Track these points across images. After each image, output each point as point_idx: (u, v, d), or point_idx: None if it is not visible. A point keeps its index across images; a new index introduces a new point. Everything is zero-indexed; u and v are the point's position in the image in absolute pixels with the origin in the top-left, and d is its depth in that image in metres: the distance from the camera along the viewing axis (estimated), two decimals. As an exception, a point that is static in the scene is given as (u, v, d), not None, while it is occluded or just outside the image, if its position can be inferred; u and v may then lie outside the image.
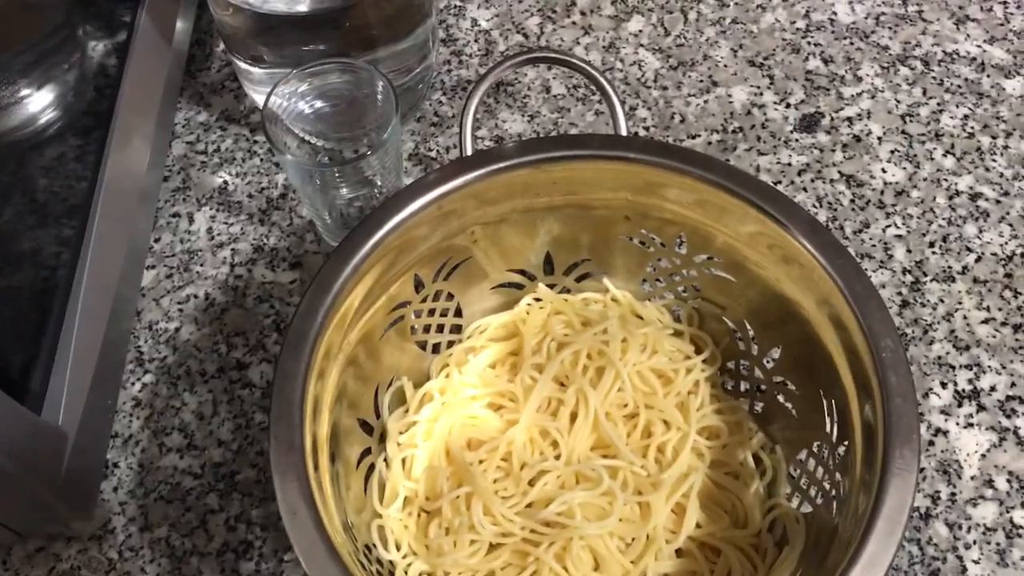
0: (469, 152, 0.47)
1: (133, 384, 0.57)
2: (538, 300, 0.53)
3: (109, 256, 0.54)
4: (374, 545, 0.46)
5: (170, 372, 0.57)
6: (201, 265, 0.61)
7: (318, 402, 0.42)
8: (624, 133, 0.48)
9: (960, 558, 0.50)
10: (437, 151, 0.65)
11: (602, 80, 0.48)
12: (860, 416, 0.41)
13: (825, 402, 0.45)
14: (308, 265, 0.60)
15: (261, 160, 0.65)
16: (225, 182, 0.64)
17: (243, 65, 0.62)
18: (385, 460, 0.49)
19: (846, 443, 0.43)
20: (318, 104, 0.59)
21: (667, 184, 0.46)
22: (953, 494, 0.52)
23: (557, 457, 0.48)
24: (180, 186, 0.64)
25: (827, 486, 0.44)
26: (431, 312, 0.51)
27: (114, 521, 0.53)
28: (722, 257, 0.48)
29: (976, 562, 0.50)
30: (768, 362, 0.50)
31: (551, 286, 0.53)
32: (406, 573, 0.45)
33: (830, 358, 0.44)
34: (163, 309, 0.59)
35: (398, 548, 0.46)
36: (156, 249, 0.61)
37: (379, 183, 0.58)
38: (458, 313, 0.53)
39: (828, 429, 0.45)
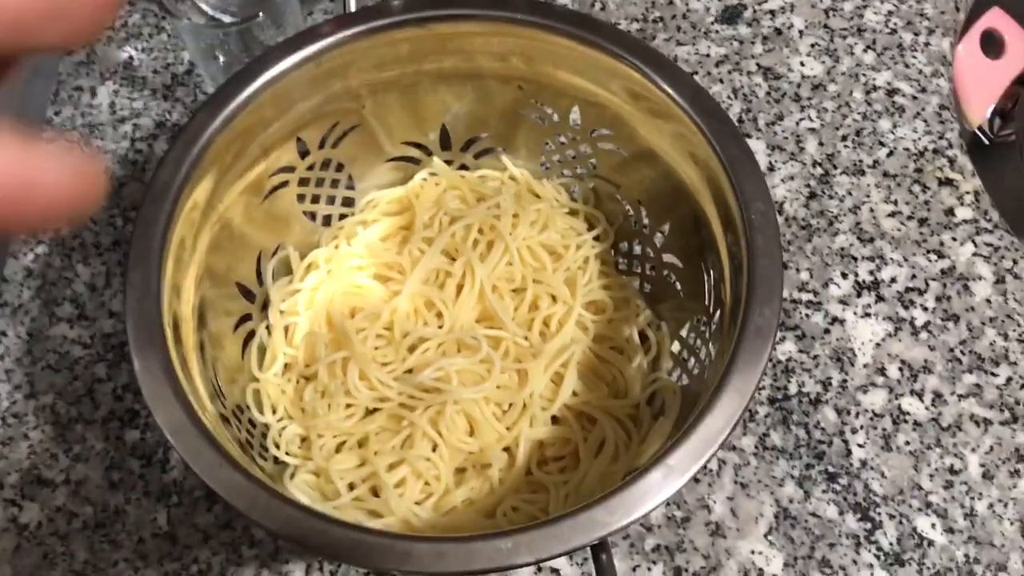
0: (352, 9, 0.45)
1: (26, 255, 0.56)
2: (434, 175, 0.52)
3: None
4: (247, 407, 0.45)
5: (64, 243, 0.56)
6: (101, 139, 0.59)
7: (181, 256, 0.41)
8: (515, -3, 0.46)
9: (846, 442, 0.51)
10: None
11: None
12: (732, 284, 0.41)
13: (705, 275, 0.45)
14: (212, 142, 0.59)
15: (168, 36, 0.63)
16: (131, 57, 0.62)
17: (147, -67, 0.60)
18: (267, 328, 0.48)
19: (718, 313, 0.43)
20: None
21: (554, 50, 0.45)
22: (844, 381, 0.52)
23: (440, 328, 0.47)
24: (84, 60, 0.62)
25: (702, 357, 0.44)
26: (320, 182, 0.50)
27: (-1, 388, 0.52)
28: (614, 130, 0.47)
29: (861, 446, 0.51)
30: (657, 241, 0.50)
31: (448, 162, 0.52)
32: (280, 435, 0.45)
33: (711, 230, 0.44)
34: (60, 182, 0.58)
35: (274, 412, 0.46)
36: (56, 122, 0.60)
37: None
38: (351, 187, 0.52)
39: (706, 302, 0.45)
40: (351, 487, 0.44)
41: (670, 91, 0.42)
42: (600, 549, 0.34)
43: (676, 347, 0.48)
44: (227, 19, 0.59)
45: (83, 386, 0.52)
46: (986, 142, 0.63)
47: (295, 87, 0.44)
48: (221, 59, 0.56)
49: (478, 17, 0.44)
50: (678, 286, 0.48)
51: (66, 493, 0.49)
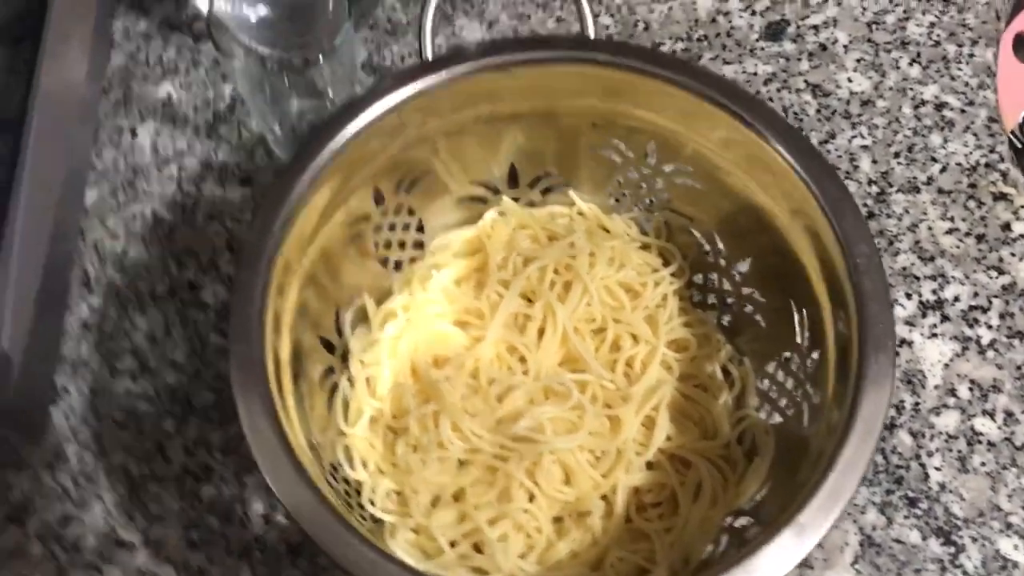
0: (429, 56, 0.45)
1: (80, 306, 0.54)
2: (502, 214, 0.51)
3: (48, 173, 0.51)
4: (340, 465, 0.45)
5: (119, 294, 0.55)
6: (147, 182, 0.58)
7: (278, 319, 0.40)
8: (592, 36, 0.46)
9: (923, 465, 0.51)
10: (392, 60, 0.62)
11: (569, -21, 0.46)
12: (833, 325, 0.41)
13: (796, 312, 0.45)
14: (259, 181, 0.58)
15: (206, 71, 0.61)
16: (169, 94, 0.61)
17: (184, -33, 0.58)
18: (348, 379, 0.47)
19: (817, 353, 0.42)
20: (262, 10, 0.55)
21: (636, 88, 0.44)
22: (917, 404, 0.52)
23: (525, 373, 0.47)
24: (121, 99, 0.60)
25: (797, 397, 0.44)
26: (392, 227, 0.49)
27: (67, 448, 0.51)
28: (692, 166, 0.47)
29: (938, 469, 0.51)
30: (736, 274, 0.49)
31: (515, 200, 0.51)
32: (373, 491, 0.45)
33: (802, 267, 0.44)
34: (108, 229, 0.56)
35: (365, 467, 0.45)
36: (98, 166, 0.58)
37: (331, 94, 0.55)
38: (420, 229, 0.51)
39: (799, 340, 0.45)
40: (451, 544, 0.43)
41: (761, 130, 0.42)
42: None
43: (762, 383, 0.47)
44: (266, 51, 0.58)
45: (152, 443, 0.51)
46: (1019, 146, 0.63)
47: (375, 139, 0.43)
48: (267, 91, 0.55)
49: (561, 60, 0.44)
50: (759, 320, 0.48)
51: (146, 555, 0.48)
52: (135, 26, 0.63)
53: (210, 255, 0.56)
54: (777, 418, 0.46)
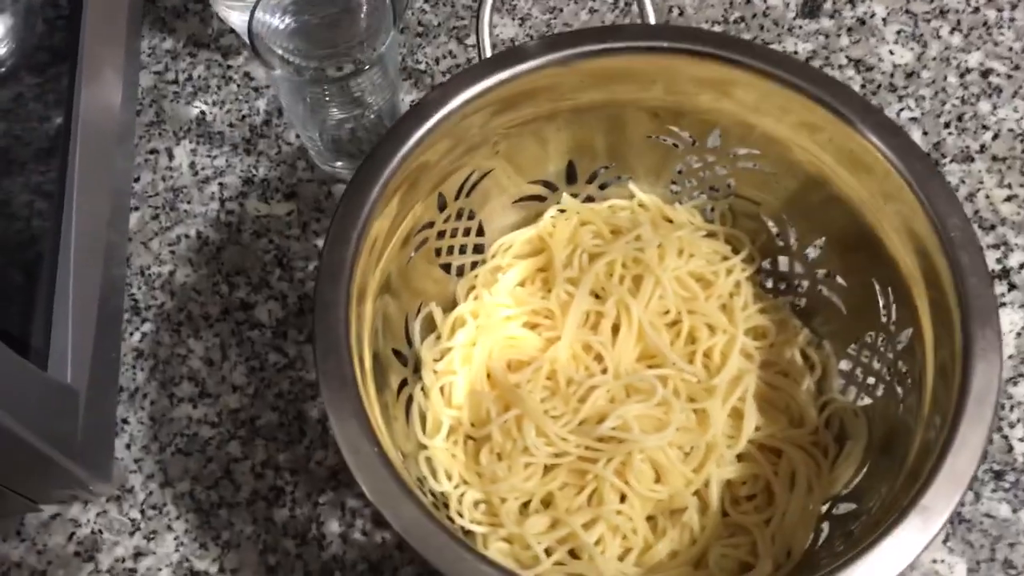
0: (488, 54, 0.43)
1: (132, 335, 0.53)
2: (563, 211, 0.50)
3: (94, 200, 0.50)
4: (424, 477, 0.43)
5: (170, 318, 0.53)
6: (188, 203, 0.57)
7: (360, 332, 0.39)
8: (652, 22, 0.45)
9: (1006, 437, 0.50)
10: (426, 63, 0.61)
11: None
12: (928, 301, 0.40)
13: (879, 290, 0.44)
14: (303, 194, 0.57)
15: (238, 86, 0.60)
16: (202, 112, 0.59)
17: (212, -20, 0.57)
18: (422, 390, 0.46)
19: (909, 331, 0.41)
20: (293, 19, 0.54)
21: (705, 75, 0.43)
22: (992, 375, 0.51)
23: (603, 371, 0.46)
24: (154, 120, 0.59)
25: (887, 376, 0.43)
26: (454, 233, 0.48)
27: (132, 480, 0.49)
28: (760, 148, 0.46)
29: (1022, 440, 0.50)
30: (808, 256, 0.48)
31: (574, 196, 0.50)
32: (460, 503, 0.43)
33: (883, 244, 0.43)
34: (153, 253, 0.55)
35: (449, 479, 0.44)
36: (137, 189, 0.57)
37: (370, 101, 0.54)
38: (480, 232, 0.50)
39: (884, 318, 0.44)
40: (547, 552, 0.42)
41: (837, 106, 0.41)
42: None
43: (843, 365, 0.46)
44: (301, 61, 0.56)
45: (219, 468, 0.50)
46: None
47: (441, 142, 0.42)
48: (308, 99, 0.54)
49: (623, 50, 0.43)
50: (837, 301, 0.47)
51: (224, 583, 0.47)
52: (161, 45, 0.62)
53: (260, 273, 0.54)
54: (866, 399, 0.45)
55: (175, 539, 0.48)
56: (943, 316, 0.38)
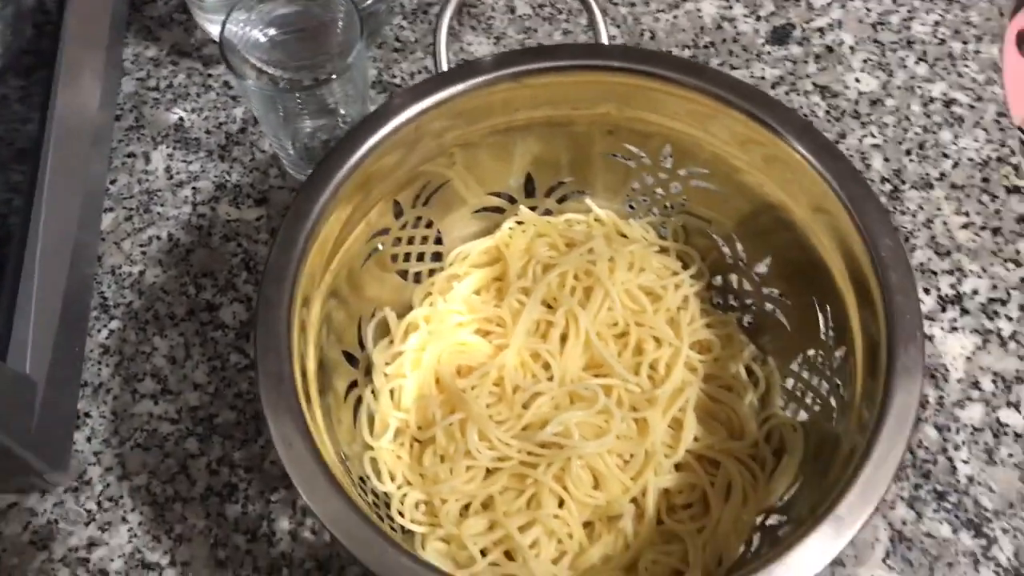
0: (444, 68, 0.45)
1: (99, 331, 0.54)
2: (520, 223, 0.51)
3: (65, 200, 0.51)
4: (368, 477, 0.44)
5: (137, 317, 0.55)
6: (162, 205, 0.58)
7: (304, 333, 0.40)
8: (605, 42, 0.46)
9: (950, 459, 0.51)
10: (402, 78, 0.62)
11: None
12: (859, 319, 0.41)
13: (819, 309, 0.45)
14: (274, 200, 0.58)
15: (217, 95, 0.62)
16: (181, 118, 0.61)
17: (194, -8, 0.59)
18: (372, 392, 0.47)
19: (843, 349, 0.42)
20: (272, 32, 0.56)
21: (651, 93, 0.45)
22: (941, 398, 0.52)
23: (550, 379, 0.47)
24: (133, 124, 0.61)
25: (824, 393, 0.44)
26: (411, 240, 0.49)
27: (90, 472, 0.51)
28: (709, 168, 0.47)
29: (966, 462, 0.51)
30: (756, 275, 0.49)
31: (532, 209, 0.52)
32: (402, 503, 0.44)
33: (824, 264, 0.44)
34: (125, 252, 0.57)
35: (392, 479, 0.45)
36: (112, 191, 0.58)
37: (343, 112, 0.56)
38: (438, 241, 0.51)
39: (823, 336, 0.45)
40: (482, 553, 0.43)
41: (778, 128, 0.42)
42: (782, 607, 0.34)
43: (787, 381, 0.47)
44: (277, 72, 0.58)
45: (176, 463, 0.51)
46: (1026, 141, 0.63)
47: (393, 152, 0.43)
48: (281, 112, 0.55)
49: (573, 68, 0.44)
50: (782, 319, 0.48)
51: (173, 575, 0.48)
52: (144, 53, 0.63)
53: (227, 276, 0.56)
54: (804, 415, 0.45)
55: (129, 531, 0.49)
56: (873, 333, 0.39)
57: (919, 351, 0.37)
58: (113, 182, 0.59)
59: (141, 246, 0.57)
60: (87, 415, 0.52)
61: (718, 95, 0.43)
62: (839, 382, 0.43)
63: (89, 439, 0.51)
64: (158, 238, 0.57)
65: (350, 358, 0.47)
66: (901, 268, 0.39)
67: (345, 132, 0.42)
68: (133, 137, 0.60)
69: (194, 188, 0.58)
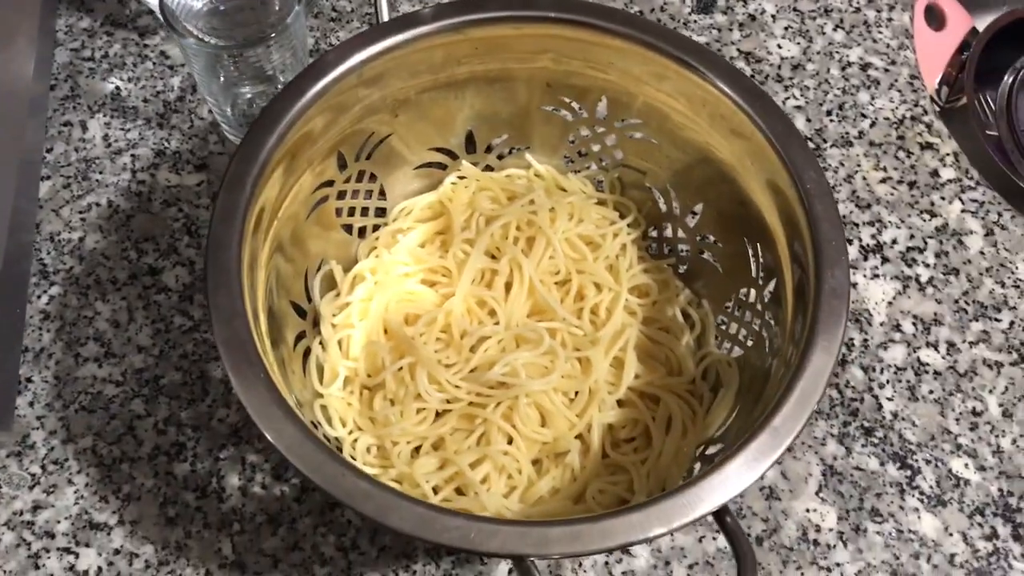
0: (386, 19, 0.46)
1: (39, 297, 0.54)
2: (463, 178, 0.52)
3: (1, 167, 0.51)
4: (319, 423, 0.45)
5: (78, 282, 0.54)
6: (100, 173, 0.58)
7: (254, 279, 0.40)
8: (540, -4, 0.48)
9: (876, 397, 0.53)
10: (339, 47, 0.63)
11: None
12: (789, 252, 0.43)
13: (750, 248, 0.47)
14: (214, 166, 0.58)
15: (154, 64, 0.62)
16: (117, 88, 0.61)
17: (128, -40, 0.59)
18: (321, 343, 0.48)
19: (774, 282, 0.45)
20: (208, 2, 0.56)
21: (585, 45, 0.46)
22: (865, 340, 0.55)
23: (496, 324, 0.48)
24: (69, 94, 0.60)
25: (757, 328, 0.46)
26: (355, 194, 0.50)
27: (33, 436, 0.50)
28: (643, 118, 0.49)
29: (890, 399, 0.53)
30: (690, 222, 0.52)
31: (474, 164, 0.53)
32: (353, 447, 0.45)
33: (753, 204, 0.46)
34: (64, 219, 0.56)
35: (344, 425, 0.46)
36: (49, 160, 0.58)
37: (281, 79, 0.56)
38: (383, 197, 0.52)
39: (753, 274, 0.47)
40: (434, 490, 0.44)
41: (708, 74, 0.44)
42: (724, 514, 0.36)
43: (721, 321, 0.49)
44: (216, 40, 0.58)
45: (122, 424, 0.51)
46: (937, 109, 0.67)
47: (338, 100, 0.44)
48: (222, 78, 0.56)
49: (513, 19, 0.45)
50: (715, 263, 0.50)
51: (122, 534, 0.48)
52: (78, 24, 0.63)
53: (169, 240, 0.56)
54: (738, 351, 0.47)
55: (75, 492, 0.49)
56: (802, 262, 0.41)
57: (844, 274, 0.39)
58: (50, 150, 0.58)
59: (80, 213, 0.56)
60: (29, 380, 0.52)
61: (649, 43, 0.44)
62: (770, 316, 0.45)
63: (32, 404, 0.51)
64: (97, 205, 0.57)
65: (299, 310, 0.47)
66: (825, 198, 0.41)
67: (289, 81, 0.43)
68: (69, 106, 0.60)
69: (133, 155, 0.58)
